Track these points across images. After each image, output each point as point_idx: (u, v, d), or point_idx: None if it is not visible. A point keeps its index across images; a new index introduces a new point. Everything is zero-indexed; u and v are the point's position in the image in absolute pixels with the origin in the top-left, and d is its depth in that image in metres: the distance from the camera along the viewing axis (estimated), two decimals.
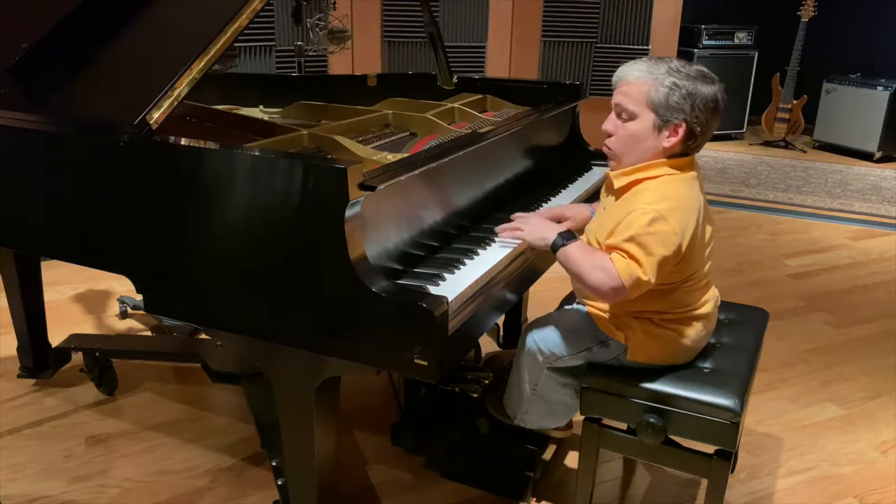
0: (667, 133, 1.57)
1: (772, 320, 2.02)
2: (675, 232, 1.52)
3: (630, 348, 1.68)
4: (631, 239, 1.51)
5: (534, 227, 1.68)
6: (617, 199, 1.65)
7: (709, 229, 1.66)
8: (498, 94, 2.50)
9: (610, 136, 1.65)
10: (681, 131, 1.56)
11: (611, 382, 1.68)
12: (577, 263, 1.57)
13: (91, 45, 1.79)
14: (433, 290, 1.42)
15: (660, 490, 2.08)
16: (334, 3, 2.50)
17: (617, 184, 1.65)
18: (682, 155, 1.62)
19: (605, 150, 1.69)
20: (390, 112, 2.20)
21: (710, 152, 6.12)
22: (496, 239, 1.71)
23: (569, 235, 1.62)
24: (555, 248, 1.61)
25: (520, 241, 1.69)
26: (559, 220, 1.89)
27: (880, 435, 2.37)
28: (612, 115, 1.64)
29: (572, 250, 1.59)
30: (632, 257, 1.51)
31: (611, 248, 1.55)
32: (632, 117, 1.59)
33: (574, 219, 1.88)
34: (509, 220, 1.76)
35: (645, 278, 1.51)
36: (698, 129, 1.57)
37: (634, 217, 1.53)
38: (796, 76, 6.02)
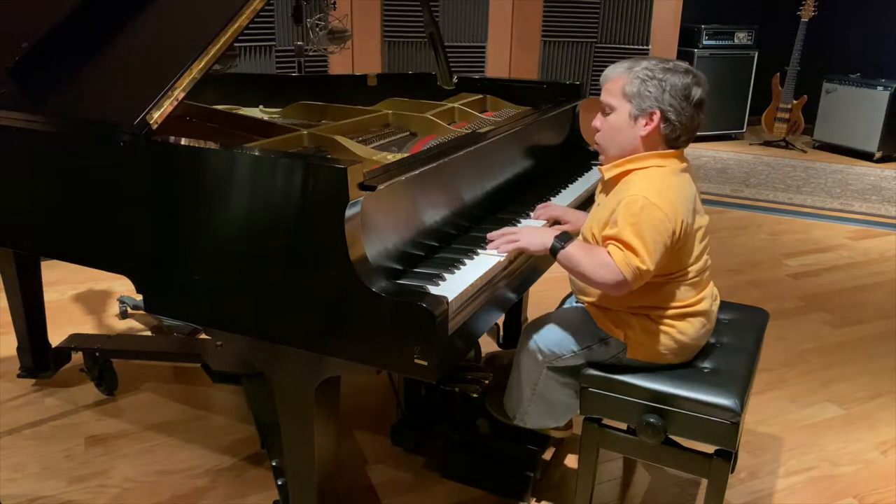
0: (643, 122, 1.62)
1: (772, 320, 2.02)
2: (668, 217, 1.55)
3: (629, 346, 1.68)
4: (625, 228, 1.54)
5: (530, 233, 1.68)
6: (608, 192, 1.69)
7: (702, 221, 1.67)
8: (498, 94, 2.50)
9: (598, 131, 1.71)
10: (655, 118, 1.61)
11: (611, 382, 1.68)
12: (579, 263, 1.59)
13: (91, 45, 1.79)
14: (433, 290, 1.42)
15: (660, 490, 2.08)
16: (334, 3, 2.51)
17: (607, 175, 1.69)
18: (670, 148, 1.65)
19: (595, 145, 1.75)
20: (390, 112, 2.20)
21: (710, 152, 6.12)
22: (483, 248, 1.65)
23: (566, 237, 1.63)
24: (554, 251, 1.62)
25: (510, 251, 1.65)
26: (558, 222, 1.91)
27: (880, 435, 2.37)
28: (599, 113, 1.71)
29: (572, 250, 1.61)
30: (627, 247, 1.54)
31: (606, 240, 1.58)
32: (611, 110, 1.66)
33: (573, 223, 1.89)
34: (508, 224, 1.78)
35: (644, 267, 1.53)
36: (672, 115, 1.60)
37: (625, 206, 1.56)
38: (796, 76, 6.02)
